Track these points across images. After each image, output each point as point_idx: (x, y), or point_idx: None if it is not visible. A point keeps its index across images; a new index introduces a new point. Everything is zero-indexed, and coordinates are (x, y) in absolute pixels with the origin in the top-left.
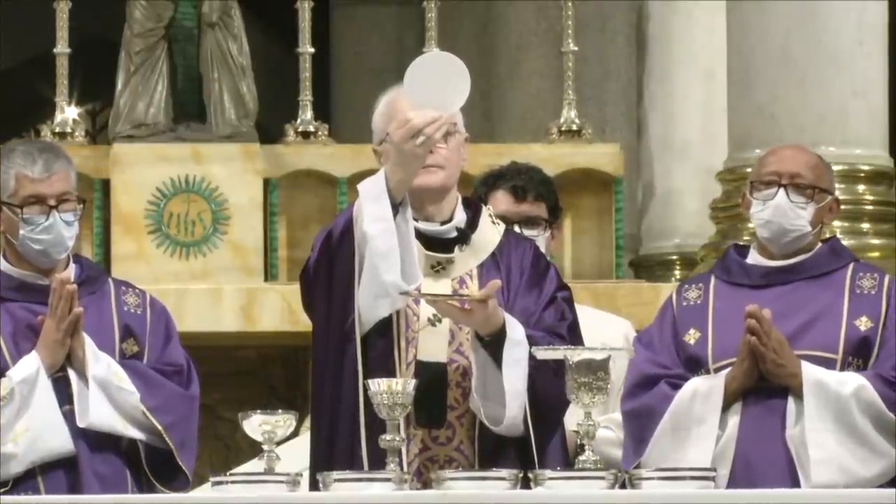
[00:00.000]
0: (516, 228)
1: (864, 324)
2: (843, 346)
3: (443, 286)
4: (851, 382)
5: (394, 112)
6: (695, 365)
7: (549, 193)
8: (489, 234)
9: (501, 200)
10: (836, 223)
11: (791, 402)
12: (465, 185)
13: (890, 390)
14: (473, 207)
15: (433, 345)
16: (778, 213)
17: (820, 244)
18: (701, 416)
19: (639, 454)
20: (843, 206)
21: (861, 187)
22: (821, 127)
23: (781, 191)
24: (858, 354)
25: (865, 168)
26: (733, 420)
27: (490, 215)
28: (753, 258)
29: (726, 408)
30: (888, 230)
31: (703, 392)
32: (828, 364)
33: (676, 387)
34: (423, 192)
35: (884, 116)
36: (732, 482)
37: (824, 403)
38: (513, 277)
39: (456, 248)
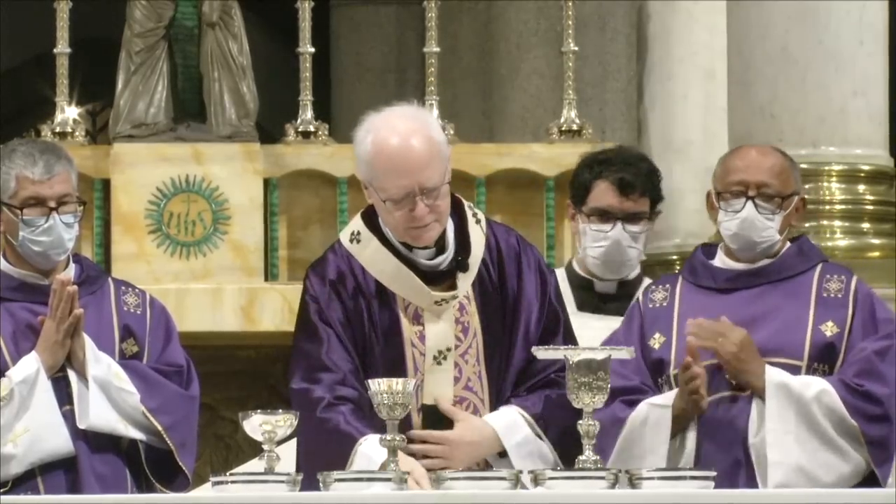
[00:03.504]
0: (619, 224)
1: (829, 329)
2: (808, 351)
3: (446, 319)
4: (815, 386)
5: (382, 169)
6: (658, 369)
7: (654, 188)
8: (476, 241)
9: (606, 192)
10: (837, 223)
11: (754, 409)
12: (466, 184)
13: (852, 397)
14: (456, 207)
15: (439, 386)
16: (746, 225)
17: (788, 244)
18: (651, 447)
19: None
20: (843, 206)
21: (861, 187)
22: (821, 127)
23: (749, 203)
24: (823, 360)
25: (865, 168)
26: (691, 436)
27: (472, 211)
28: (720, 260)
29: (680, 431)
30: (888, 230)
31: (652, 422)
32: (793, 371)
33: (632, 404)
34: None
35: (884, 116)
36: None
37: (786, 405)
38: (508, 280)
39: (456, 282)
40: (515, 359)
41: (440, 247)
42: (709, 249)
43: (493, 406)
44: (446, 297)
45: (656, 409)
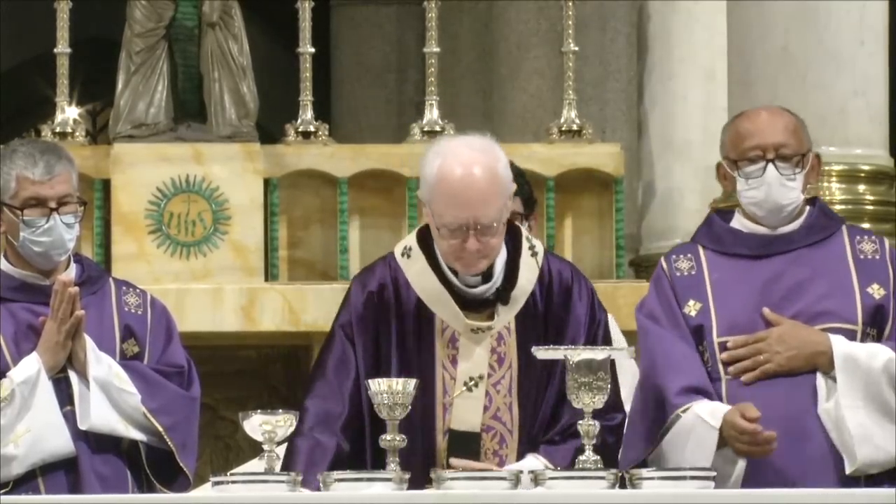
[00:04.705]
0: None
1: (876, 291)
2: (860, 315)
3: (482, 347)
4: (882, 356)
5: (442, 196)
6: (699, 336)
7: (522, 187)
8: (527, 272)
9: None
10: None
11: (820, 377)
12: None
13: None
14: (513, 237)
15: (468, 412)
16: (771, 191)
17: (808, 207)
18: (693, 462)
19: (647, 447)
20: (843, 206)
21: (861, 187)
22: (821, 127)
23: (770, 166)
24: (874, 324)
25: (865, 168)
26: (740, 465)
27: (529, 243)
28: (743, 225)
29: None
30: (888, 230)
31: (697, 436)
32: (849, 335)
33: (681, 394)
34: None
35: (884, 116)
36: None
37: (855, 378)
38: (554, 312)
39: (495, 313)
40: (551, 392)
41: (487, 275)
42: (725, 215)
43: (521, 437)
44: (482, 326)
45: (704, 425)
